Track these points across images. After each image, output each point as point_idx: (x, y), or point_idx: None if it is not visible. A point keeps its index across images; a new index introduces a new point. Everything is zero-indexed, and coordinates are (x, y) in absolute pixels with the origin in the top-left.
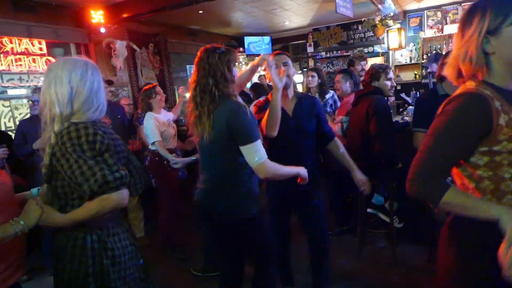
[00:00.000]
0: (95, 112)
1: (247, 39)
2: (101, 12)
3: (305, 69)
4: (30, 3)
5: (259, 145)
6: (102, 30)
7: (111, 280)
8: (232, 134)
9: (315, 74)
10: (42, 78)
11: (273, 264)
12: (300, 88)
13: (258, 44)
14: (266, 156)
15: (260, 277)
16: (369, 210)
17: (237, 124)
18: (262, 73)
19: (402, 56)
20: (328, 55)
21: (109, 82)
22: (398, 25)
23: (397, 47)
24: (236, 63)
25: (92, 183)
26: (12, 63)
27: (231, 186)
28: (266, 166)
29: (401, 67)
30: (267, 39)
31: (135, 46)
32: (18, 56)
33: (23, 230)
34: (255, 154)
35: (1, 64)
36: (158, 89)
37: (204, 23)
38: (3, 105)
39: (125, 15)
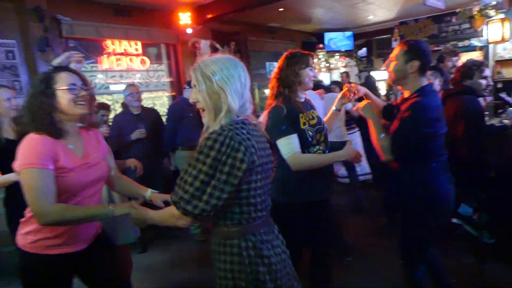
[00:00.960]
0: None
1: (327, 35)
2: (188, 14)
3: None
4: (127, 8)
5: (286, 141)
6: (189, 30)
7: None
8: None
9: None
10: (138, 75)
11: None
12: (382, 86)
13: (339, 40)
14: (297, 150)
15: None
16: (454, 220)
17: (268, 123)
18: (343, 70)
19: (506, 50)
20: None
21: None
22: (502, 15)
23: (499, 40)
24: (308, 66)
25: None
26: (113, 62)
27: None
28: (295, 159)
29: (503, 62)
30: (348, 34)
31: (217, 45)
32: (118, 56)
33: (109, 215)
34: (284, 149)
35: (105, 63)
36: None
37: (284, 20)
38: (106, 99)
39: (209, 16)
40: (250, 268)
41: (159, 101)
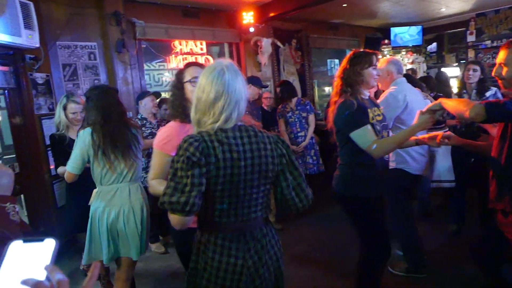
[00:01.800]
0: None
1: (394, 30)
2: (251, 13)
3: (462, 61)
4: (194, 10)
5: (363, 131)
6: (251, 29)
7: None
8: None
9: (478, 68)
10: None
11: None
12: (454, 83)
13: (406, 35)
14: (374, 138)
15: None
16: None
17: (338, 118)
18: (409, 66)
19: None
20: (494, 44)
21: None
22: None
23: None
24: (372, 65)
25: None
26: (180, 61)
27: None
28: (377, 145)
29: None
30: (416, 29)
31: (279, 43)
32: (184, 56)
33: None
34: (361, 139)
35: (173, 62)
36: None
37: (347, 16)
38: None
39: (272, 14)
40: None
41: None
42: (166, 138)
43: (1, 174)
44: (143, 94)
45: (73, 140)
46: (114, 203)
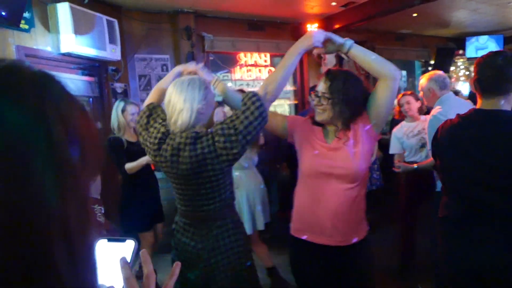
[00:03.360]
0: None
1: (470, 40)
2: (315, 25)
3: None
4: (260, 23)
5: None
6: None
7: None
8: None
9: None
10: None
11: None
12: None
13: (484, 45)
14: None
15: None
16: None
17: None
18: None
19: None
20: None
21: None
22: None
23: None
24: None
25: None
26: (244, 73)
27: None
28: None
29: None
30: (497, 38)
31: (343, 55)
32: (248, 68)
33: None
34: None
35: (238, 74)
36: None
37: (416, 26)
38: None
39: (336, 26)
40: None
41: (281, 109)
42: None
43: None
44: None
45: (132, 143)
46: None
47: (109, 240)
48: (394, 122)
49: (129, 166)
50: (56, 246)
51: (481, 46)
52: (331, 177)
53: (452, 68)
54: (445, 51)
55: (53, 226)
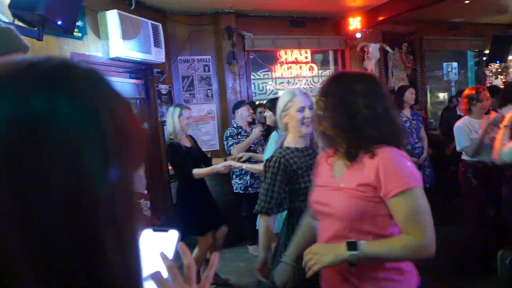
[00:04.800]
0: None
1: None
2: (358, 18)
3: None
4: (301, 19)
5: None
6: (358, 35)
7: None
8: None
9: None
10: (304, 81)
11: None
12: None
13: None
14: None
15: None
16: None
17: None
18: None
19: None
20: None
21: None
22: None
23: None
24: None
25: None
26: (285, 70)
27: None
28: None
29: None
30: None
31: (388, 48)
32: (289, 65)
33: None
34: None
35: (278, 71)
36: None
37: (469, 13)
38: None
39: (381, 18)
40: None
41: None
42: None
43: (142, 173)
44: (239, 103)
45: (189, 148)
46: None
47: (154, 230)
48: (452, 117)
49: (198, 171)
50: (104, 230)
51: None
52: None
53: (510, 58)
54: (503, 39)
55: (102, 211)
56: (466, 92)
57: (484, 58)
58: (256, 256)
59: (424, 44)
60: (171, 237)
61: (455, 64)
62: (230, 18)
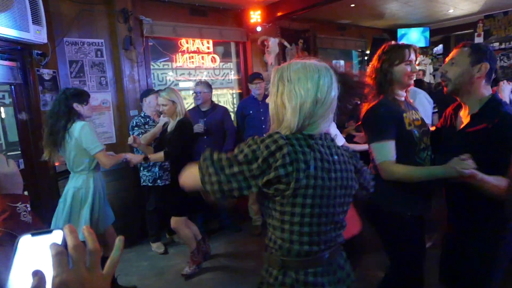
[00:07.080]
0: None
1: (400, 31)
2: (258, 12)
3: None
4: (202, 8)
5: (381, 146)
6: (258, 28)
7: None
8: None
9: None
10: (205, 73)
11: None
12: None
13: (413, 36)
14: (390, 157)
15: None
16: None
17: (365, 124)
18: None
19: None
20: (503, 46)
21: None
22: None
23: None
24: (404, 60)
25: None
26: (186, 60)
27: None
28: (387, 166)
29: None
30: (424, 30)
31: (286, 43)
32: (191, 55)
33: None
34: (377, 153)
35: (179, 61)
36: None
37: (355, 16)
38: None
39: (279, 14)
40: None
41: (224, 99)
42: None
43: (14, 172)
44: (147, 91)
45: None
46: None
47: (33, 234)
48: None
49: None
50: None
51: (410, 37)
52: None
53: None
54: (380, 42)
55: None
56: None
57: (366, 58)
58: (161, 254)
59: (317, 42)
60: (56, 238)
61: (342, 62)
62: (126, 0)
